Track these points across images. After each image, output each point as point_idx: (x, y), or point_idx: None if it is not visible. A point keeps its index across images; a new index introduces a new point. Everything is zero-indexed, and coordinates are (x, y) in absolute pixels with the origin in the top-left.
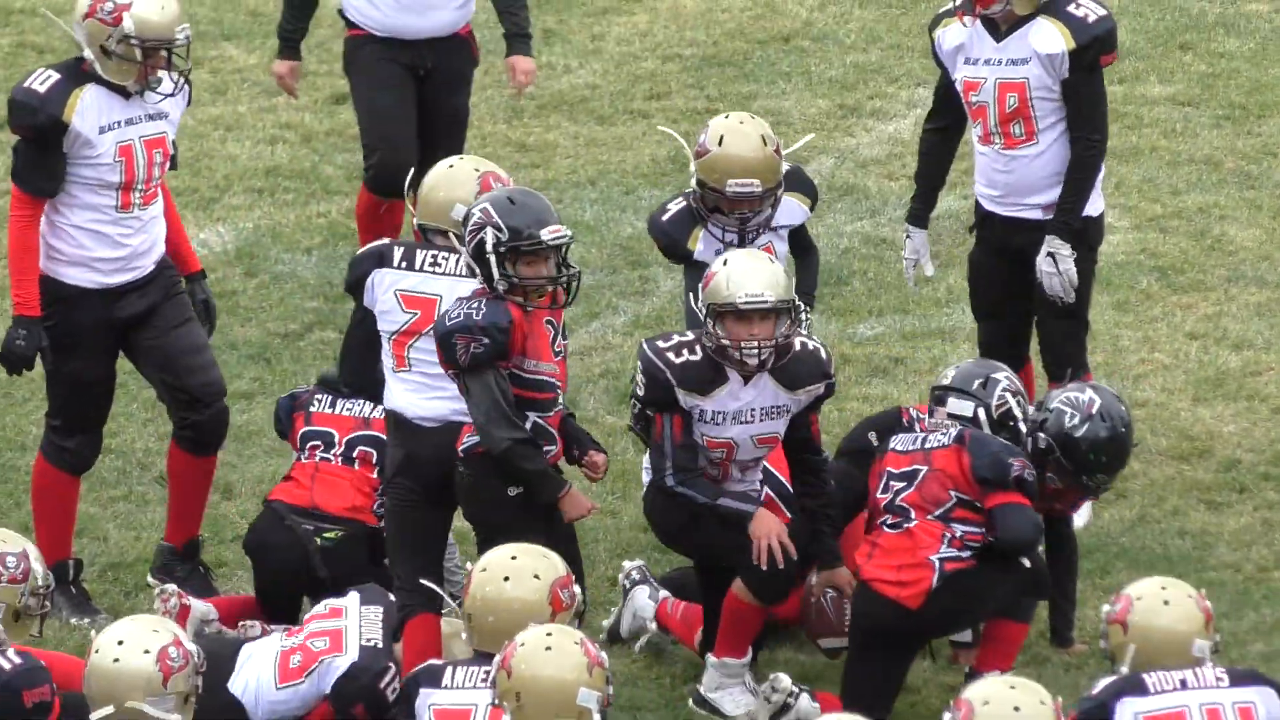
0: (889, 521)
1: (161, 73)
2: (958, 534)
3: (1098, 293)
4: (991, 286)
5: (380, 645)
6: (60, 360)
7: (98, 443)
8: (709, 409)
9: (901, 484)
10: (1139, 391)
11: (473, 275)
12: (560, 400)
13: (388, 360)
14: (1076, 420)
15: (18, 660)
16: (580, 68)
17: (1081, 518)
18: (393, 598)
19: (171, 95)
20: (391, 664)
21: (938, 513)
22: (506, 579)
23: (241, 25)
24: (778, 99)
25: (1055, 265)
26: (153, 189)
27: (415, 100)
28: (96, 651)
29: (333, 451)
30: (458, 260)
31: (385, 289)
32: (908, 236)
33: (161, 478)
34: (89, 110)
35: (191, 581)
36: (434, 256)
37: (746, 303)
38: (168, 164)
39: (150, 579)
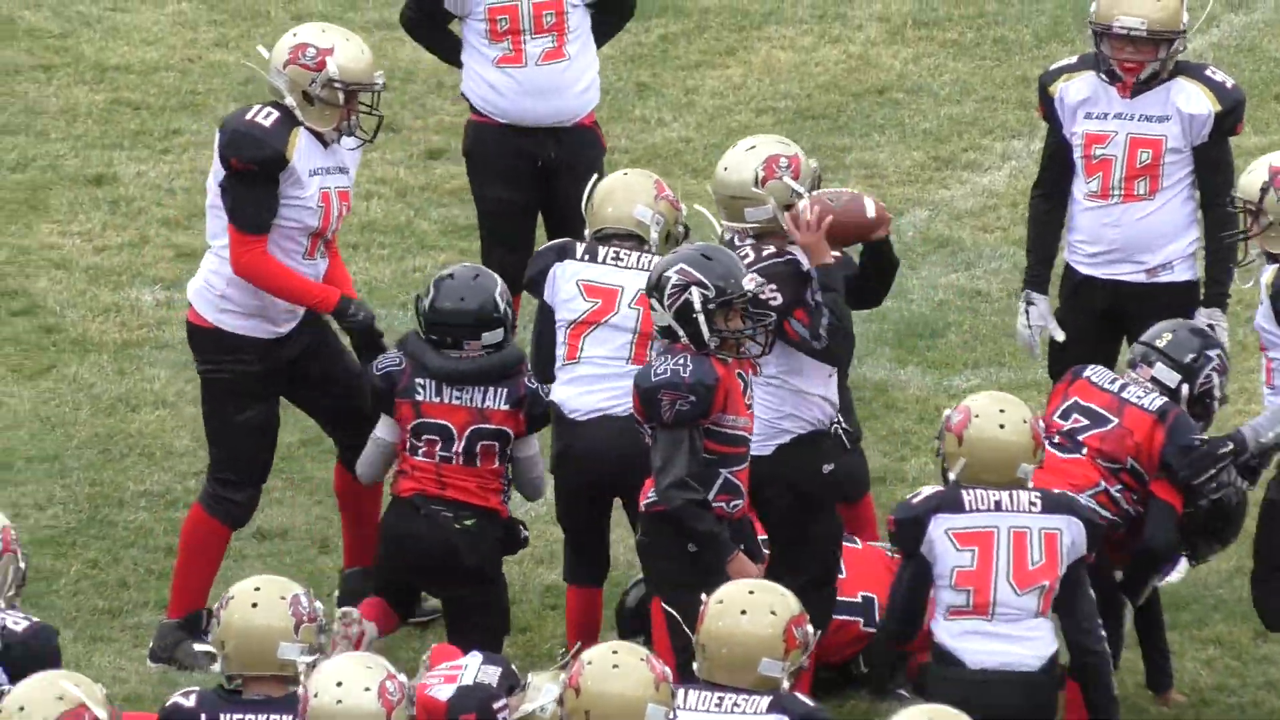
0: (1056, 443)
1: (347, 133)
2: (1114, 491)
3: None
4: (1080, 350)
5: (495, 686)
6: (234, 410)
7: (258, 497)
8: None
9: (1086, 421)
10: None
11: (669, 337)
12: (749, 453)
13: (559, 351)
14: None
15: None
16: (674, 121)
17: (1178, 571)
18: (513, 666)
19: (369, 142)
20: (506, 699)
21: (1107, 466)
22: (743, 613)
23: None
24: (872, 151)
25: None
26: (333, 239)
27: (536, 193)
28: (315, 696)
29: (453, 449)
30: (639, 257)
31: (568, 279)
32: (1030, 304)
33: (260, 533)
34: (303, 151)
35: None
36: (616, 252)
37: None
38: (345, 216)
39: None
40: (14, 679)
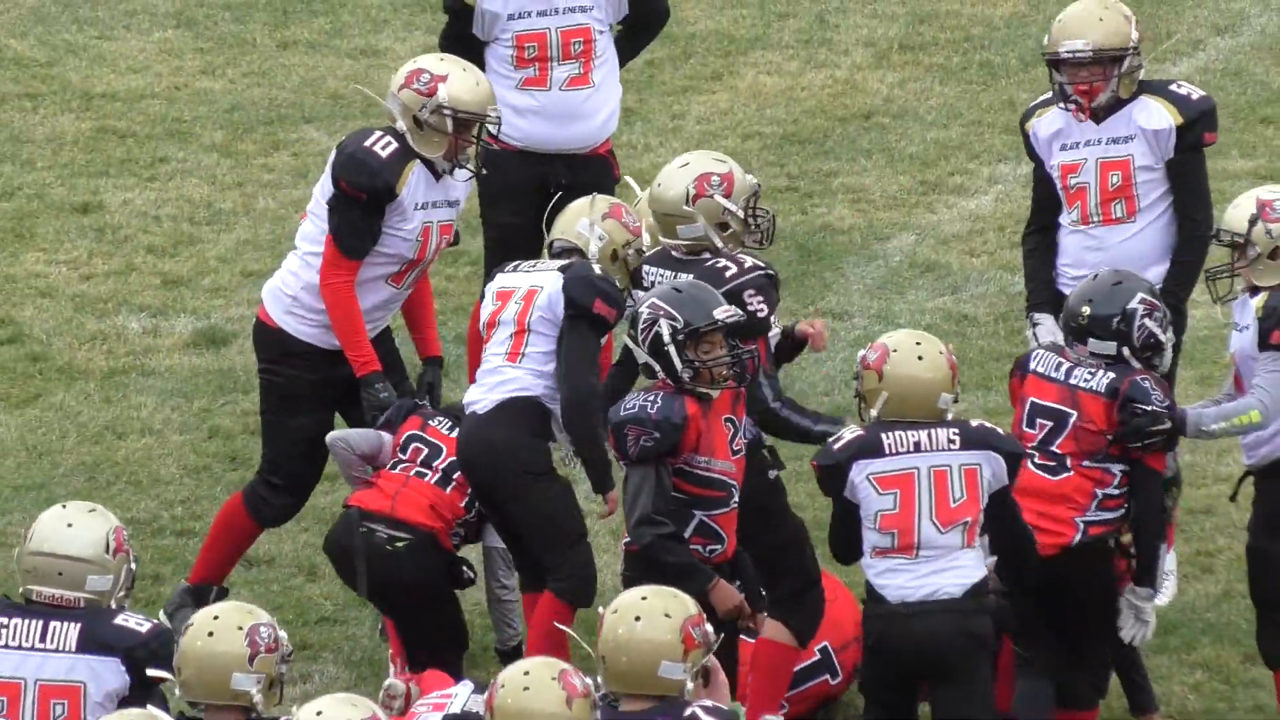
0: (1039, 462)
1: (459, 165)
2: (1114, 481)
3: (1182, 367)
4: None
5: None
6: (286, 416)
7: (300, 506)
8: None
9: (1049, 423)
10: (1222, 466)
11: (650, 375)
12: (734, 499)
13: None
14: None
15: None
16: (660, 146)
17: (1165, 595)
18: None
19: (476, 175)
20: None
21: (1093, 460)
22: (638, 619)
23: (323, 108)
24: (858, 175)
25: None
26: (425, 272)
27: (542, 217)
28: None
29: (433, 465)
30: (550, 263)
31: (491, 291)
32: (1036, 325)
33: (246, 561)
34: (414, 185)
35: None
36: (534, 264)
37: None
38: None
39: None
40: (135, 676)
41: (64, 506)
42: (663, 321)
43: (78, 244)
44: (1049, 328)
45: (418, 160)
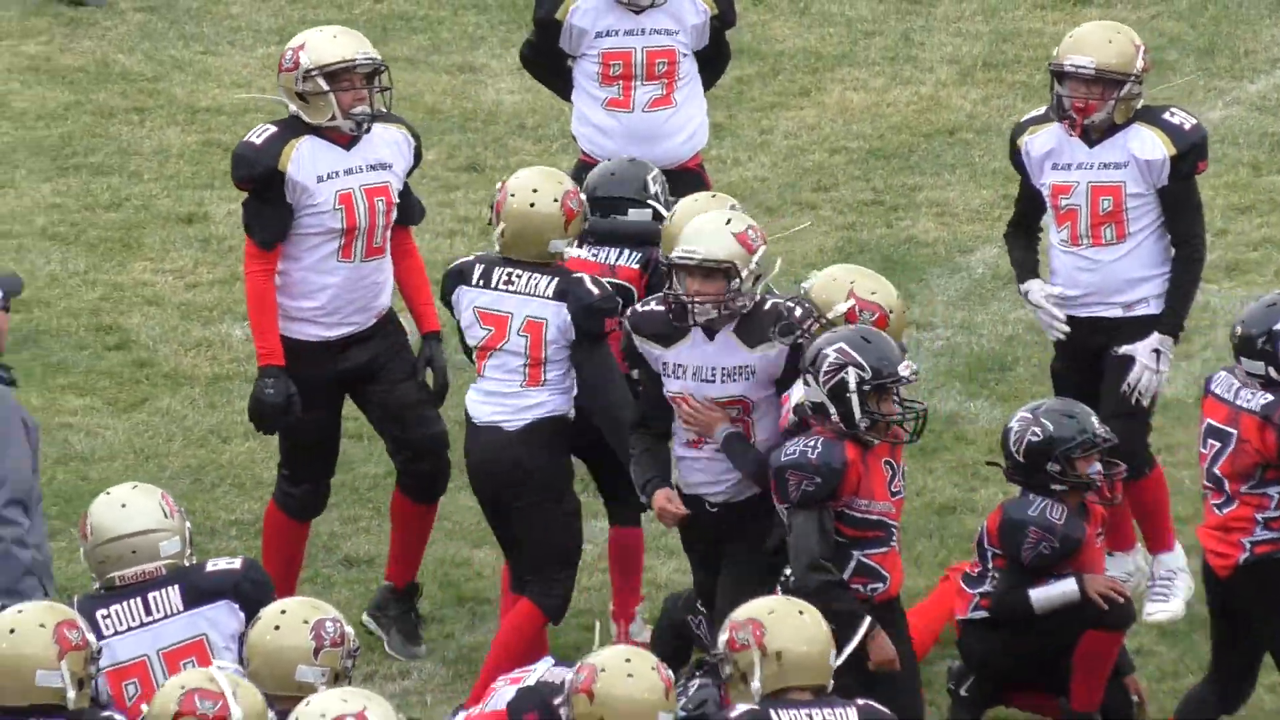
0: (1209, 491)
1: (364, 104)
2: (1272, 504)
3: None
4: (1079, 378)
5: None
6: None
7: (325, 492)
8: (669, 361)
9: (1217, 444)
10: None
11: (821, 415)
12: (893, 539)
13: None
14: None
15: None
16: (749, 161)
17: (1169, 610)
18: None
19: (372, 121)
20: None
21: (1250, 485)
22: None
23: (420, 122)
24: (942, 190)
25: (1157, 363)
26: (380, 241)
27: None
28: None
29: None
30: (529, 279)
31: (466, 307)
32: (1027, 292)
33: (346, 560)
34: (305, 160)
35: (402, 625)
36: (509, 274)
37: (680, 258)
38: (393, 213)
39: (365, 617)
40: (246, 611)
41: (108, 494)
42: (850, 370)
43: (183, 253)
44: (1037, 289)
45: (307, 135)
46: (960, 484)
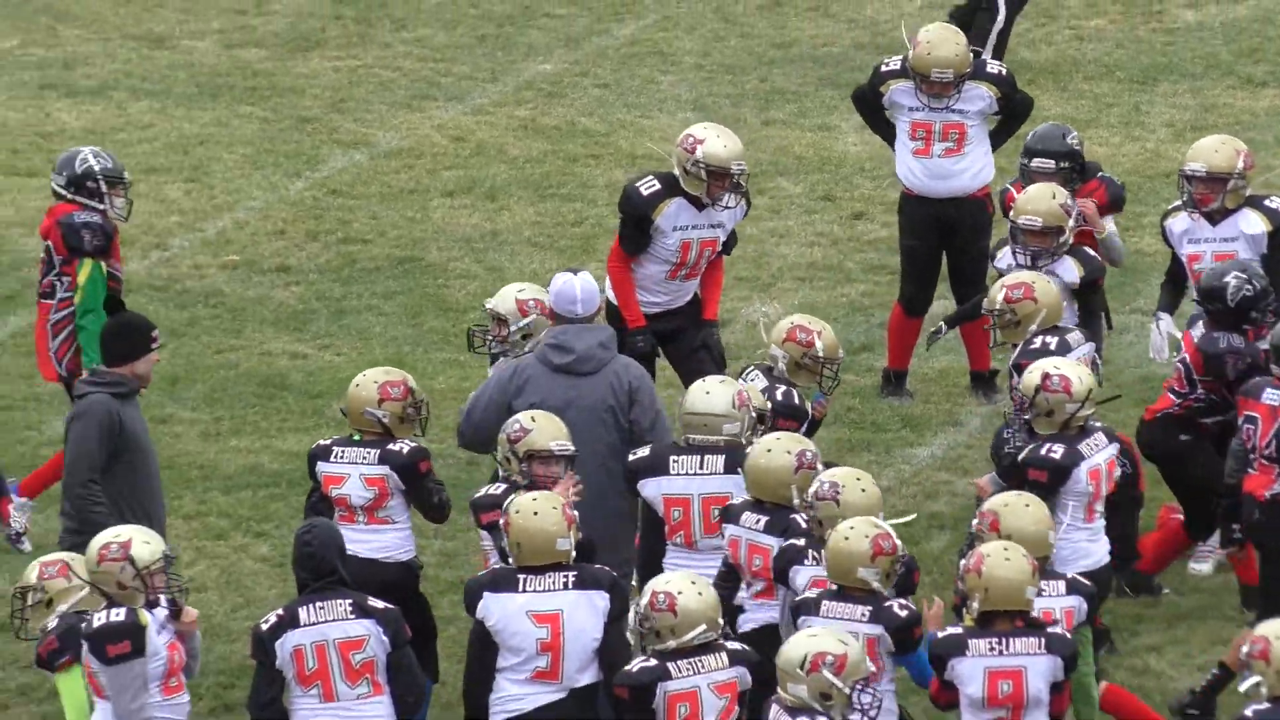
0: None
1: (726, 193)
2: None
3: None
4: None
5: None
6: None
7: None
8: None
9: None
10: None
11: None
12: None
13: None
14: None
15: None
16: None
17: (1208, 561)
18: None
19: (729, 208)
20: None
21: None
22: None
23: (790, 165)
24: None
25: None
26: (696, 272)
27: (939, 242)
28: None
29: None
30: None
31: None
32: (1159, 320)
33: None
34: (670, 215)
35: None
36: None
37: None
38: (713, 255)
39: None
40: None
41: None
42: None
43: None
44: (1166, 321)
45: (678, 196)
46: None
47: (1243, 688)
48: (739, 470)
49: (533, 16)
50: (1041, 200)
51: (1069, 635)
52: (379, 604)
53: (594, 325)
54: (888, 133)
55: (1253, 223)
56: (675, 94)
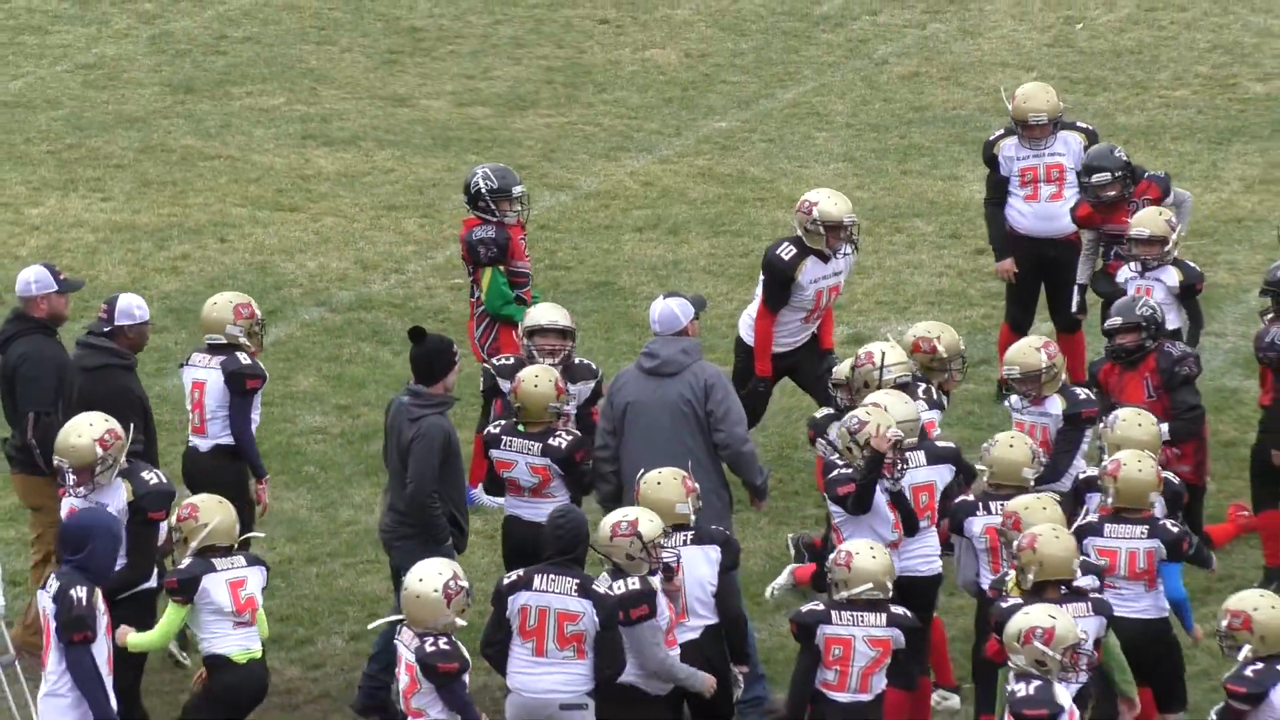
0: None
1: (844, 245)
2: None
3: None
4: None
5: None
6: (746, 381)
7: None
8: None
9: None
10: None
11: None
12: None
13: None
14: None
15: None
16: None
17: None
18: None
19: (847, 255)
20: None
21: None
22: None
23: (924, 209)
24: (1232, 254)
25: None
26: (821, 315)
27: (1041, 275)
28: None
29: None
30: None
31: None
32: None
33: None
34: (807, 271)
35: None
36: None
37: None
38: (837, 296)
39: None
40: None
41: None
42: None
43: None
44: None
45: (811, 255)
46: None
47: (1240, 656)
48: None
49: (712, 83)
50: (1150, 216)
51: (1106, 599)
52: (601, 589)
53: (680, 337)
54: (994, 219)
55: None
56: (829, 148)
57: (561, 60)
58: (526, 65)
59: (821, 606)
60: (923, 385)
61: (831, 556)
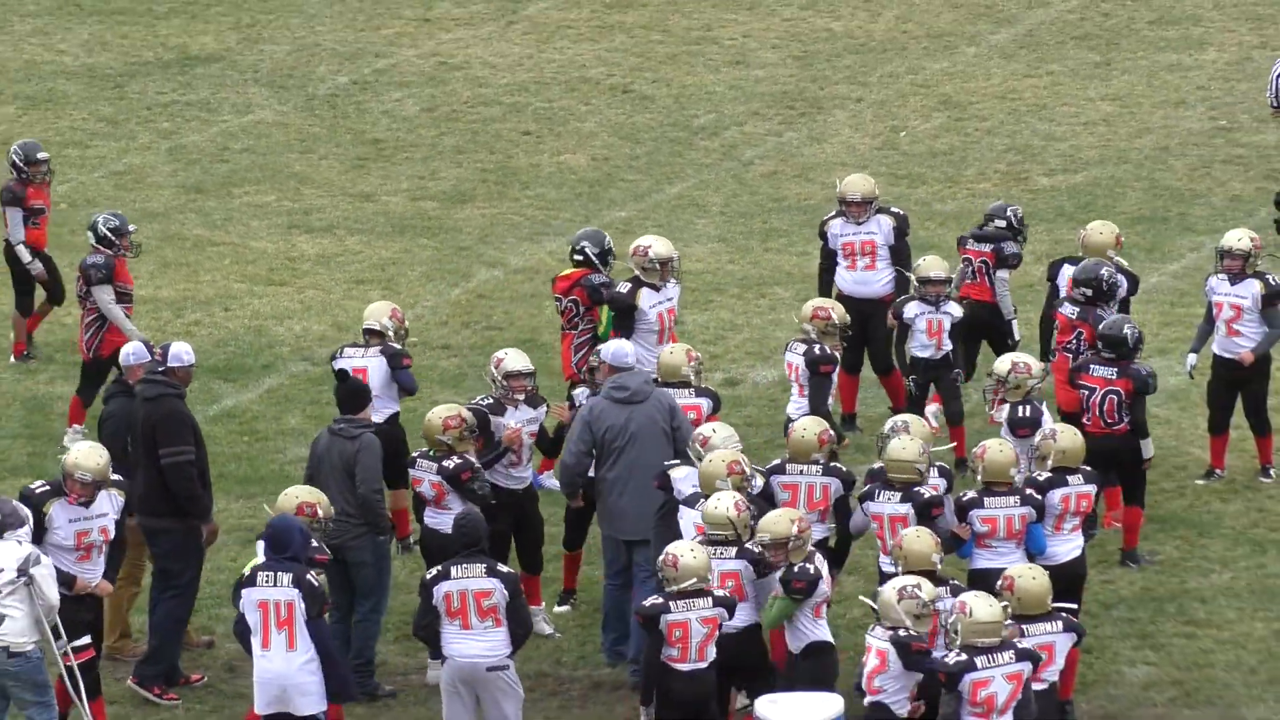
0: None
1: (671, 278)
2: None
3: None
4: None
5: None
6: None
7: None
8: None
9: None
10: None
11: None
12: None
13: None
14: None
15: None
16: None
17: None
18: None
19: (677, 283)
20: None
21: None
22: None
23: (783, 278)
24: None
25: None
26: (668, 335)
27: (860, 325)
28: None
29: None
30: None
31: None
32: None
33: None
34: (647, 298)
35: None
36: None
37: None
38: (674, 319)
39: None
40: None
41: None
42: None
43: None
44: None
45: (646, 288)
46: None
47: (1005, 615)
48: None
49: (613, 180)
50: (937, 261)
51: (1077, 621)
52: (504, 569)
53: (635, 372)
54: (825, 283)
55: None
56: (707, 231)
57: (493, 164)
58: (466, 168)
59: (662, 599)
60: (818, 345)
61: (660, 559)
